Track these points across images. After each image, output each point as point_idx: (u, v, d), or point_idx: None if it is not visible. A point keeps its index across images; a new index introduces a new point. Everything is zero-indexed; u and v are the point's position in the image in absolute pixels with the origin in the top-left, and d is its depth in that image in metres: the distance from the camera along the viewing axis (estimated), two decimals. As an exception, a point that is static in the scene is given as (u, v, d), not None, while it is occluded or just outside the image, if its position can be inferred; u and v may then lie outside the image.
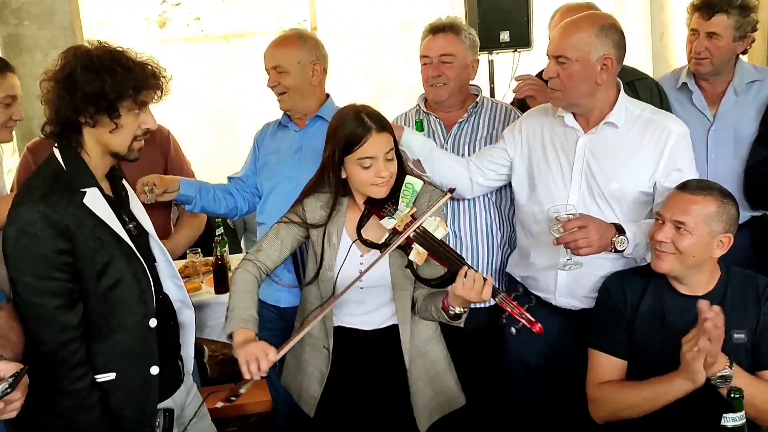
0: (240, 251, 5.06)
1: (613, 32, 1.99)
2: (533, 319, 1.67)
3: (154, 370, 1.76)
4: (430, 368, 2.01)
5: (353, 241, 1.89)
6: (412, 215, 1.83)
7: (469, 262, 2.37)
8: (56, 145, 1.67)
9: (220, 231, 2.90)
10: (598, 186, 2.06)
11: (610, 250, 1.94)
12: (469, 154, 2.41)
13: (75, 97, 1.59)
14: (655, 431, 1.82)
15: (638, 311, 1.91)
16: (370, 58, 5.04)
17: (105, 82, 1.58)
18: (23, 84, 3.31)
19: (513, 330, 1.74)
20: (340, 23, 4.96)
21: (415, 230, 1.79)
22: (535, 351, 2.28)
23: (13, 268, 1.60)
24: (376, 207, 1.89)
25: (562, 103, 2.06)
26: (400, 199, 1.85)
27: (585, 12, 2.14)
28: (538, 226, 2.17)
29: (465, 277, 1.70)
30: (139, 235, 1.80)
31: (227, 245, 2.90)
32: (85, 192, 1.64)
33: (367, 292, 1.91)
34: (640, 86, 2.50)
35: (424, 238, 1.79)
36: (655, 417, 1.79)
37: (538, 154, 2.18)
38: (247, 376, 1.68)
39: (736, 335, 1.81)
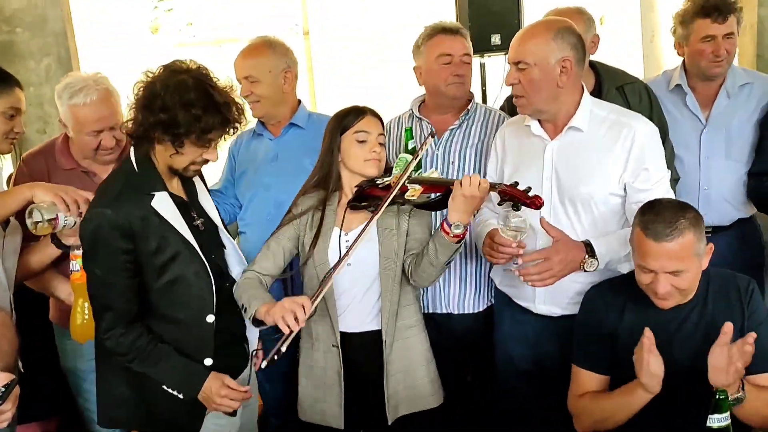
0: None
1: (569, 35, 2.02)
2: (532, 195, 1.75)
3: (208, 361, 1.87)
4: (405, 356, 2.04)
5: (344, 211, 1.99)
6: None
7: (459, 270, 2.43)
8: (133, 145, 1.83)
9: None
10: (568, 192, 2.07)
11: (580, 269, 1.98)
12: (460, 161, 2.42)
13: (147, 118, 1.73)
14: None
15: (620, 324, 1.90)
16: (362, 62, 5.05)
17: (177, 115, 1.69)
18: (16, 91, 3.34)
19: (519, 205, 1.78)
20: (332, 28, 4.97)
21: (409, 176, 1.91)
22: (522, 356, 2.29)
23: (85, 260, 1.81)
24: (368, 187, 1.99)
25: (528, 109, 2.08)
26: (394, 169, 2.02)
27: (548, 17, 2.18)
28: None
29: (461, 181, 1.79)
30: (207, 229, 1.93)
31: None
32: (153, 195, 1.79)
33: (354, 270, 1.97)
34: (628, 90, 2.51)
35: (417, 180, 1.93)
36: (639, 421, 1.80)
37: (511, 167, 2.20)
38: (286, 330, 1.73)
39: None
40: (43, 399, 2.31)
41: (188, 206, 1.90)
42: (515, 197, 1.76)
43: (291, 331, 1.73)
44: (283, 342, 1.76)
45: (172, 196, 1.84)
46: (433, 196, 1.90)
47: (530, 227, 1.95)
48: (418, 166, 2.35)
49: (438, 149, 2.45)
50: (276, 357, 1.77)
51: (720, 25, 2.48)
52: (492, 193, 1.83)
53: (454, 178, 2.37)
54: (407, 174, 1.90)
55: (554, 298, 2.13)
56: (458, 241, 1.86)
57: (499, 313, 2.40)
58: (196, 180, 2.00)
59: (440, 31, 2.43)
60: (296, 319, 1.73)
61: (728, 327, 1.66)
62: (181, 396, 1.85)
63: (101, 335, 1.80)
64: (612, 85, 2.51)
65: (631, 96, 2.49)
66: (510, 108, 2.63)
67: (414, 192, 1.88)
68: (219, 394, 1.82)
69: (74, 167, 2.27)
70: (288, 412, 2.53)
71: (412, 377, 2.05)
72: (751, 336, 1.63)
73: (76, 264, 1.96)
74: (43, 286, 2.22)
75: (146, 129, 1.75)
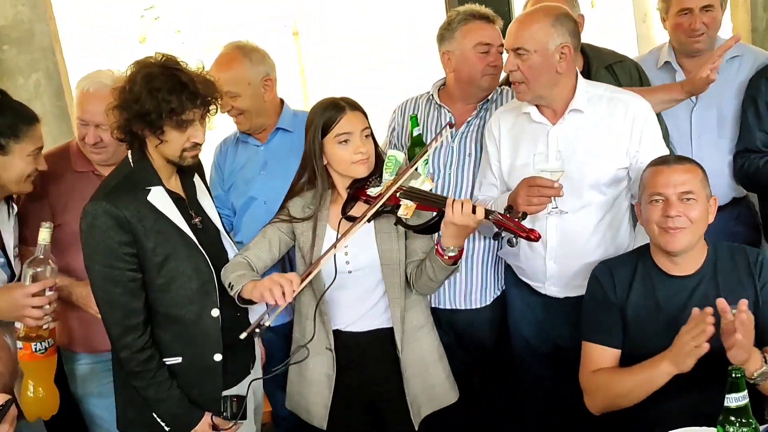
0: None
1: (568, 21, 2.03)
2: (528, 228, 1.72)
3: (217, 357, 1.89)
4: (420, 358, 2.01)
5: (339, 221, 1.91)
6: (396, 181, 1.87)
7: (465, 266, 2.39)
8: (128, 148, 1.87)
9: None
10: (576, 175, 2.06)
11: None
12: (474, 152, 2.37)
13: (124, 115, 1.77)
14: (657, 414, 1.80)
15: (629, 297, 1.89)
16: (354, 60, 5.01)
17: (146, 103, 1.72)
18: (6, 109, 3.30)
19: (514, 241, 1.76)
20: (321, 27, 4.94)
21: (400, 187, 1.83)
22: (536, 338, 2.31)
23: (86, 256, 1.82)
24: (359, 188, 1.92)
25: (528, 96, 2.08)
26: (384, 171, 1.90)
27: (544, 3, 2.16)
28: None
29: (453, 206, 1.73)
30: (206, 228, 1.94)
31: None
32: (149, 190, 1.81)
33: (356, 276, 1.92)
34: (618, 69, 2.49)
35: (411, 192, 1.84)
36: (657, 400, 1.77)
37: (513, 154, 2.18)
38: (271, 302, 1.70)
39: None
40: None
41: (185, 204, 1.90)
42: (511, 230, 1.72)
43: (276, 305, 1.70)
44: (267, 314, 1.72)
45: (170, 193, 1.85)
46: (427, 216, 1.87)
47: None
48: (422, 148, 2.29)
49: (454, 141, 2.39)
50: (258, 330, 1.73)
51: None
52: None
53: (451, 187, 2.37)
54: (396, 186, 1.83)
55: (564, 280, 2.14)
56: (454, 263, 1.83)
57: (510, 296, 2.40)
58: (197, 180, 1.99)
59: (477, 16, 2.34)
60: (284, 294, 1.69)
61: (723, 303, 1.65)
62: (167, 429, 1.86)
63: (115, 344, 1.82)
64: (601, 65, 2.49)
65: (622, 75, 2.47)
66: None
67: (407, 209, 1.83)
68: None
69: (88, 170, 2.25)
70: (298, 421, 2.51)
71: (428, 377, 2.03)
72: (743, 303, 1.62)
73: (19, 342, 1.89)
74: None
75: (128, 127, 1.79)
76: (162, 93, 1.72)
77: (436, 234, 2.16)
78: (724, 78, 2.52)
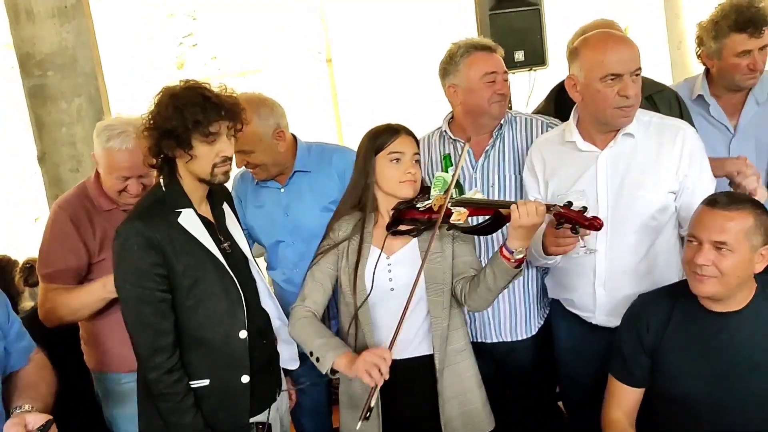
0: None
1: (572, 57, 2.06)
2: (590, 217, 1.69)
3: (245, 378, 1.88)
4: (457, 382, 2.00)
5: (384, 237, 1.94)
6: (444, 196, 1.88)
7: (509, 297, 2.35)
8: (158, 174, 1.88)
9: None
10: (627, 198, 2.04)
11: None
12: (498, 182, 2.35)
13: (154, 136, 1.79)
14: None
15: (665, 335, 1.84)
16: (387, 85, 5.06)
17: (172, 119, 1.75)
18: (50, 132, 3.41)
19: (576, 230, 1.73)
20: (354, 53, 5.00)
21: (451, 198, 1.86)
22: (583, 370, 2.25)
23: (116, 277, 1.82)
24: (405, 209, 1.95)
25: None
26: (432, 189, 1.94)
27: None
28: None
29: (519, 210, 1.73)
30: (235, 254, 1.95)
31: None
32: (180, 212, 1.83)
33: (398, 294, 1.92)
34: (658, 99, 2.47)
35: (463, 202, 1.86)
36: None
37: (560, 184, 2.15)
38: (372, 384, 1.73)
39: None
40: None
41: (215, 229, 1.92)
42: (573, 219, 1.70)
43: (376, 385, 1.73)
44: (371, 396, 1.75)
45: (200, 217, 1.88)
46: (481, 220, 1.85)
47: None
48: (461, 191, 2.31)
49: (476, 172, 2.37)
50: (369, 414, 1.76)
51: (756, 39, 2.42)
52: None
53: (497, 198, 2.33)
54: (449, 195, 1.84)
55: (615, 309, 2.07)
56: (518, 266, 1.82)
57: (556, 326, 2.36)
58: (226, 208, 2.01)
59: (478, 48, 2.34)
60: (381, 372, 1.73)
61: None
62: None
63: (144, 364, 1.82)
64: (642, 95, 2.46)
65: (661, 104, 2.45)
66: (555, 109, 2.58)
67: (460, 216, 1.82)
68: None
69: (114, 207, 2.26)
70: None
71: (466, 402, 2.01)
72: None
73: None
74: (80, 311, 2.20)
75: (158, 148, 1.81)
76: (186, 107, 1.75)
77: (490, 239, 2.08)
78: (764, 111, 2.52)
